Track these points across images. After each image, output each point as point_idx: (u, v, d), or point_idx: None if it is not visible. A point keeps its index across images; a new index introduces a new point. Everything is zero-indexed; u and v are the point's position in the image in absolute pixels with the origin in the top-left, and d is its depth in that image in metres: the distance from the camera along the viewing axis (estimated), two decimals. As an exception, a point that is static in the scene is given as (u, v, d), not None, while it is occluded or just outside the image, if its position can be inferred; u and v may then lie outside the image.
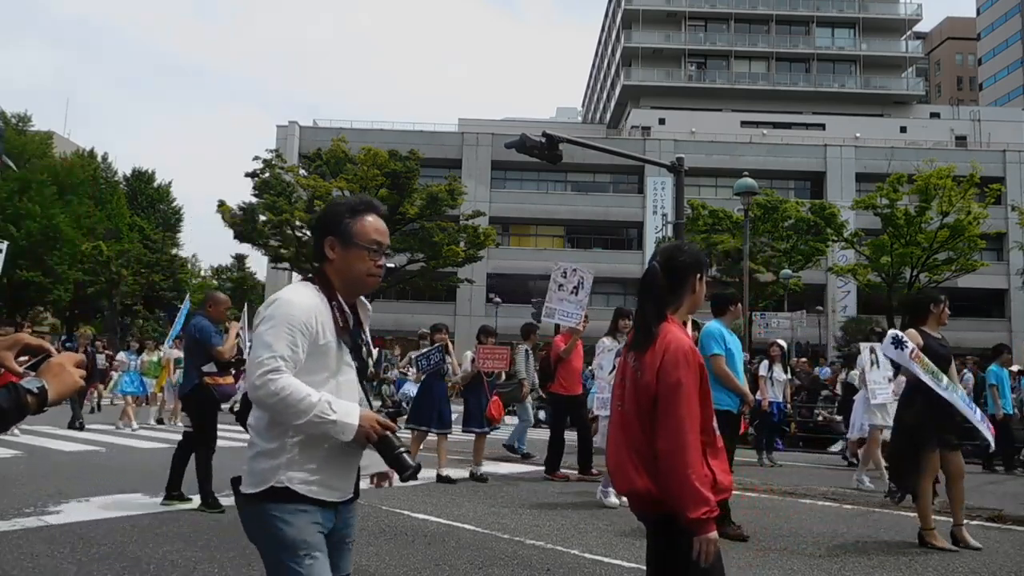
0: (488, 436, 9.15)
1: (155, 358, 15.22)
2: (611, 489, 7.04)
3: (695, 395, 2.40)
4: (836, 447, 14.53)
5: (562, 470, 9.05)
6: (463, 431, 9.12)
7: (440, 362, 8.65)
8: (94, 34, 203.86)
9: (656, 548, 2.58)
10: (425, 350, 8.93)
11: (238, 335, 6.90)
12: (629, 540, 5.66)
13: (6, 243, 11.75)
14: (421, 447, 9.02)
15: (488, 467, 8.56)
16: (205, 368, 6.36)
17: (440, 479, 8.27)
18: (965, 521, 5.85)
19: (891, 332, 5.74)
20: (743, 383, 6.19)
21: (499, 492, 7.82)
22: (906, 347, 5.53)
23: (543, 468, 9.23)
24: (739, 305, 6.52)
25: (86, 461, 9.23)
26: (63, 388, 1.74)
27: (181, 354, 14.90)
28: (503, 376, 9.80)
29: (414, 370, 8.76)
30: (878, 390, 8.77)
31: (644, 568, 4.77)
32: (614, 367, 6.37)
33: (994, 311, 43.31)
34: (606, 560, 5.02)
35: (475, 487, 8.12)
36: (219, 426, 6.66)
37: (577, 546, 5.39)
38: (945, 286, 30.63)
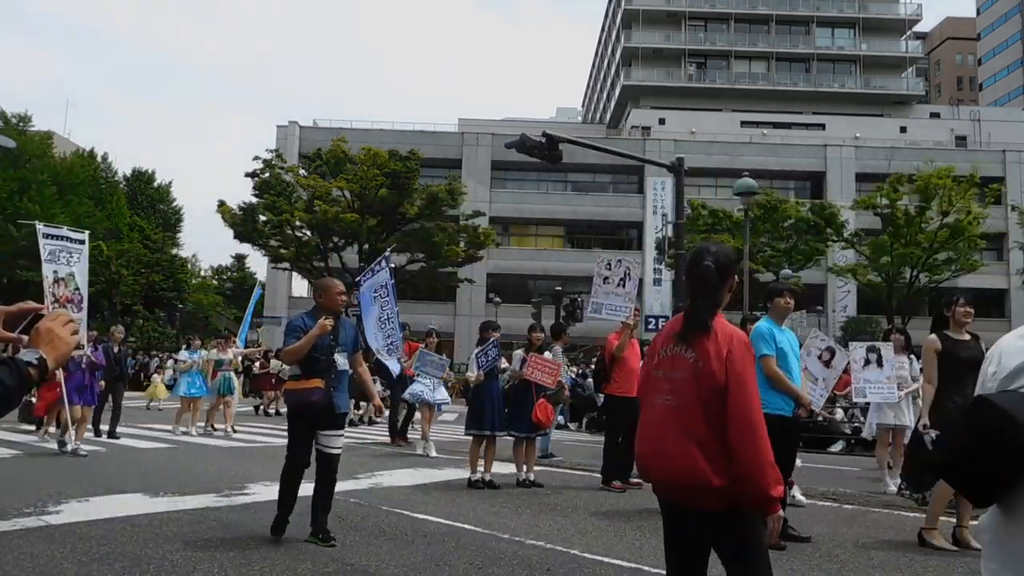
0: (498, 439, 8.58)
1: (226, 356, 13.89)
2: None
3: (756, 382, 2.57)
4: (836, 447, 14.53)
5: (617, 481, 8.30)
6: (506, 433, 8.56)
7: (497, 357, 8.33)
8: (94, 34, 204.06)
9: (701, 538, 2.58)
10: (481, 347, 8.45)
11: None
12: (629, 540, 5.66)
13: (87, 232, 11.50)
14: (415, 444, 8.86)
15: (496, 467, 8.43)
16: (289, 371, 5.51)
17: (485, 484, 8.00)
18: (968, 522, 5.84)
19: (928, 437, 5.50)
20: (798, 384, 5.63)
21: (499, 492, 7.81)
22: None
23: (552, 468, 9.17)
24: (782, 299, 5.80)
25: (86, 461, 9.22)
26: (60, 353, 1.73)
27: (224, 356, 13.77)
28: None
29: (473, 372, 8.35)
30: (868, 389, 8.75)
31: (644, 568, 4.78)
32: None
33: (994, 311, 43.28)
34: (606, 560, 5.01)
35: (474, 487, 8.08)
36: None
37: (577, 546, 5.39)
38: (945, 286, 30.65)
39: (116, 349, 12.36)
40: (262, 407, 19.46)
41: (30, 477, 7.85)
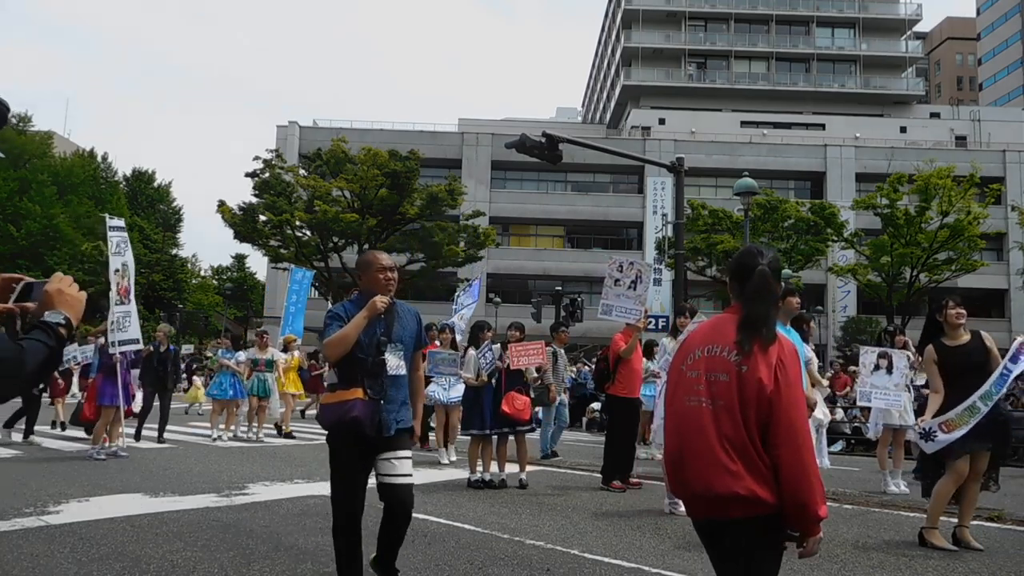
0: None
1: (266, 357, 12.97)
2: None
3: (804, 396, 2.49)
4: (836, 447, 14.54)
5: (617, 480, 8.28)
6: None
7: (495, 359, 8.26)
8: (94, 34, 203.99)
9: (737, 551, 2.45)
10: (479, 350, 8.41)
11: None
12: (629, 540, 5.66)
13: (123, 218, 11.29)
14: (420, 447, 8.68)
15: (495, 467, 8.40)
16: (327, 379, 4.30)
17: (484, 484, 8.01)
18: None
19: (920, 430, 5.55)
20: (805, 386, 5.70)
21: (499, 492, 7.81)
22: (933, 433, 5.42)
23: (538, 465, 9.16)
24: (794, 299, 5.77)
25: (86, 461, 9.22)
26: (78, 309, 1.90)
27: (266, 356, 12.83)
28: (540, 377, 8.78)
29: (471, 372, 8.35)
30: (873, 393, 8.76)
31: (643, 568, 4.78)
32: None
33: (994, 311, 43.32)
34: (606, 560, 5.01)
35: (473, 487, 8.08)
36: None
37: (577, 546, 5.39)
38: (945, 286, 30.66)
39: (163, 348, 11.69)
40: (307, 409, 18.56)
41: (30, 477, 7.85)
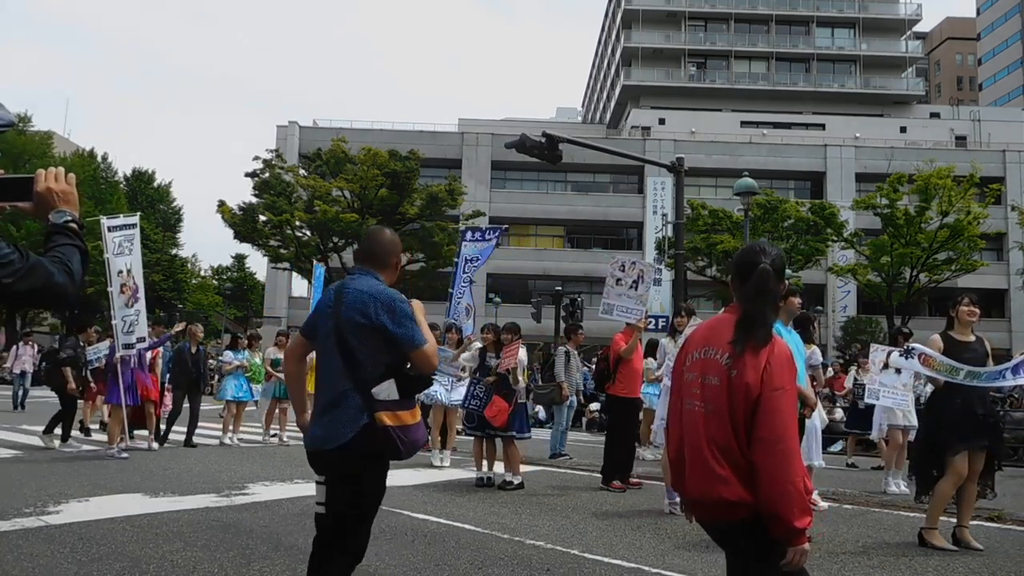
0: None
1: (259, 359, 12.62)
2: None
3: (796, 401, 2.40)
4: (836, 447, 14.54)
5: (617, 480, 8.27)
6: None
7: (488, 398, 8.06)
8: (94, 34, 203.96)
9: (736, 550, 2.45)
10: (471, 389, 8.43)
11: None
12: (629, 540, 5.67)
13: (138, 214, 11.08)
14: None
15: (499, 467, 8.36)
16: (381, 393, 2.96)
17: (486, 482, 8.08)
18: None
19: (907, 346, 5.92)
20: (805, 385, 5.55)
21: (499, 492, 7.82)
22: (913, 354, 5.57)
23: (541, 466, 9.17)
24: (795, 298, 5.85)
25: (86, 461, 9.22)
26: (74, 203, 1.94)
27: (282, 355, 12.34)
28: (527, 377, 8.93)
29: (460, 408, 8.37)
30: (882, 391, 8.79)
31: (643, 568, 4.79)
32: None
33: (994, 311, 43.29)
34: (606, 560, 5.02)
35: (480, 485, 8.09)
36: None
37: (577, 546, 5.39)
38: (945, 286, 30.66)
39: (194, 349, 11.34)
40: None
41: (30, 477, 7.85)
